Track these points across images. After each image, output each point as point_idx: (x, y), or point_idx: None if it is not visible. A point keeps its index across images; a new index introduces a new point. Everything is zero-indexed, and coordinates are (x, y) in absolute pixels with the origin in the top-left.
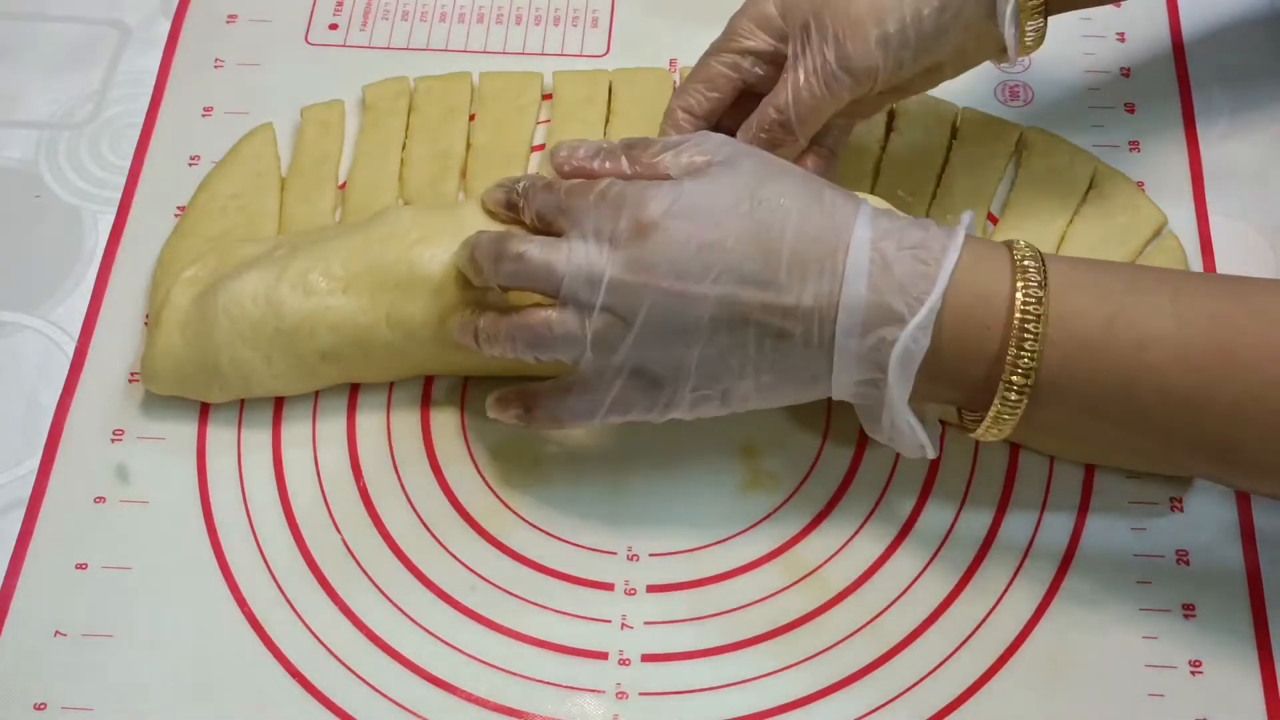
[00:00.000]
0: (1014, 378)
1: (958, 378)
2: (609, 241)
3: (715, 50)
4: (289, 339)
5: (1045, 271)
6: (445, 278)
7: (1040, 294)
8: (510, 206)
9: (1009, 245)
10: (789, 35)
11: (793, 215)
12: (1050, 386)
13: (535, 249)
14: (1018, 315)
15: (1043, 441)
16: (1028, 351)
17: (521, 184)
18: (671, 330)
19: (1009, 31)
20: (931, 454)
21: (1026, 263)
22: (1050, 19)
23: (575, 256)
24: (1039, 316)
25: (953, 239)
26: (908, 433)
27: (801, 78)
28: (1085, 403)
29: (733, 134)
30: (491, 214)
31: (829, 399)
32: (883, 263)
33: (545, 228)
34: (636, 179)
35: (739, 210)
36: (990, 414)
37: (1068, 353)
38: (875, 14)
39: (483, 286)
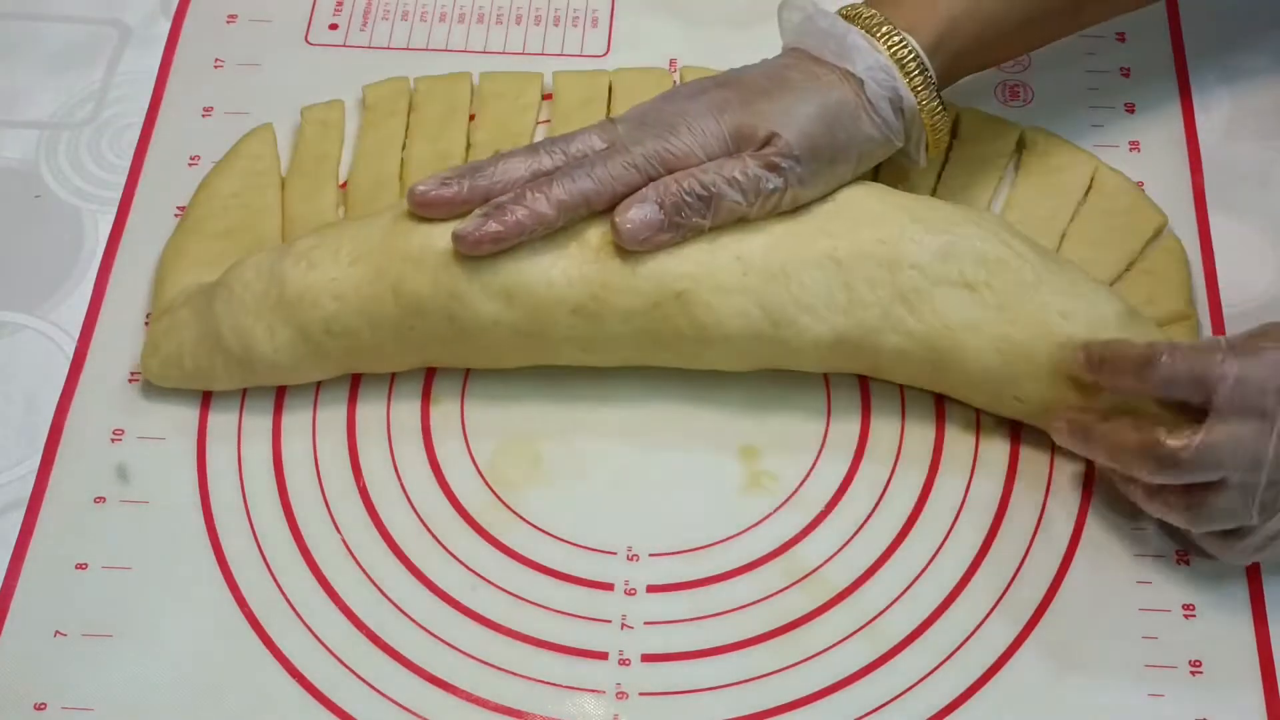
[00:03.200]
0: None
1: None
2: (1259, 417)
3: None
4: (292, 308)
5: None
6: (454, 253)
7: None
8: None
9: None
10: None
11: None
12: None
13: (1190, 446)
14: None
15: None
16: None
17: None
18: None
19: (920, 155)
20: None
21: None
22: None
23: (1242, 440)
24: None
25: None
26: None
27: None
28: None
29: None
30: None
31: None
32: None
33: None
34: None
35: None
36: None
37: None
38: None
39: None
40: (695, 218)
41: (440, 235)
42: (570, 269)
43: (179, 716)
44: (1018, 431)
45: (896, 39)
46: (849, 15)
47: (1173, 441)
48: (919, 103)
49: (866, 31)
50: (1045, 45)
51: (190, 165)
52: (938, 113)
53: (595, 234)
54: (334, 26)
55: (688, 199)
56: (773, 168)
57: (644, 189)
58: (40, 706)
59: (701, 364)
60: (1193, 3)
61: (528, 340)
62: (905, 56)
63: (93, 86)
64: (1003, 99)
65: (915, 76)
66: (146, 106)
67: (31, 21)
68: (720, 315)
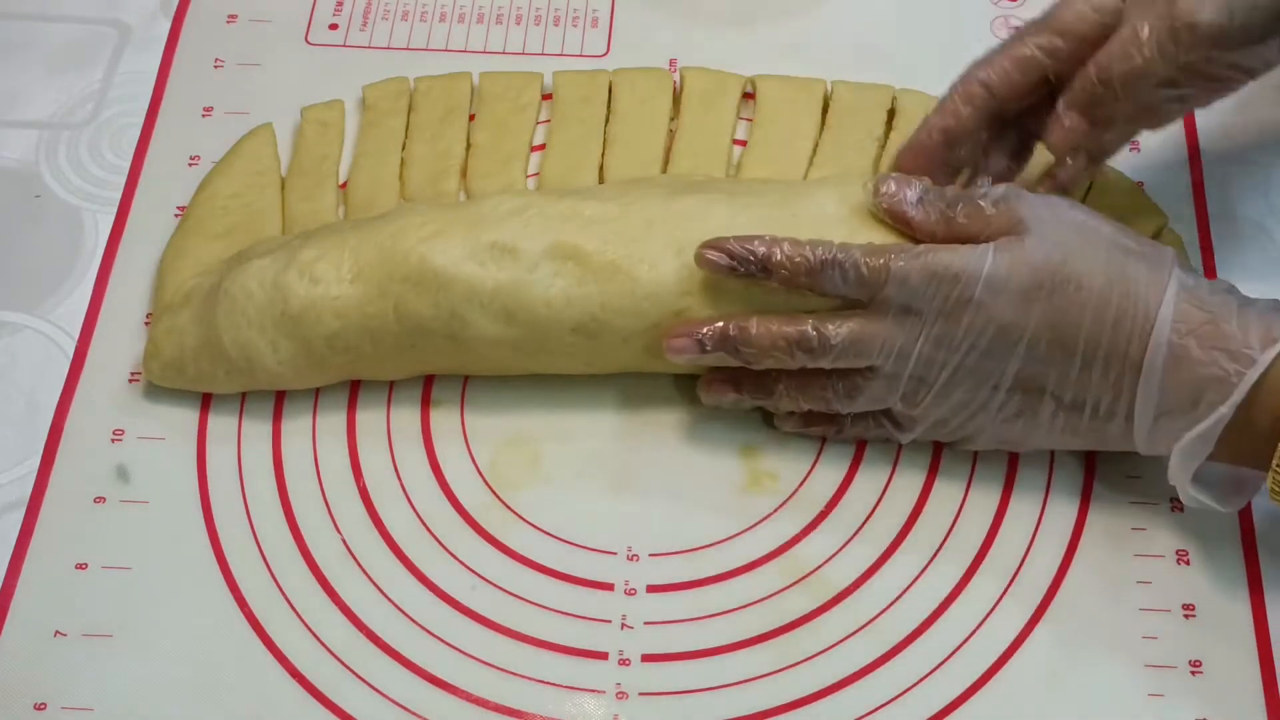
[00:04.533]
0: None
1: (1245, 453)
2: (919, 314)
3: (1032, 30)
4: (295, 324)
5: None
6: (456, 273)
7: None
8: (732, 270)
9: None
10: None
11: (1093, 299)
12: None
13: (849, 330)
14: None
15: None
16: None
17: (812, 250)
18: (972, 394)
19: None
20: (1222, 510)
21: None
22: None
23: (890, 338)
24: None
25: (1266, 350)
26: (1190, 502)
27: (1134, 33)
28: None
29: (1012, 126)
30: (713, 268)
31: None
32: (1184, 360)
33: (851, 293)
34: (949, 241)
35: (1042, 290)
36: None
37: None
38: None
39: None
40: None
41: (439, 253)
42: (570, 289)
43: (179, 716)
44: None
45: None
46: None
47: (830, 327)
48: None
49: None
50: None
51: (190, 165)
52: None
53: (596, 255)
54: (334, 26)
55: None
56: None
57: None
58: (40, 706)
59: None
60: None
61: (529, 356)
62: None
63: (93, 86)
64: None
65: None
66: (146, 106)
67: (31, 21)
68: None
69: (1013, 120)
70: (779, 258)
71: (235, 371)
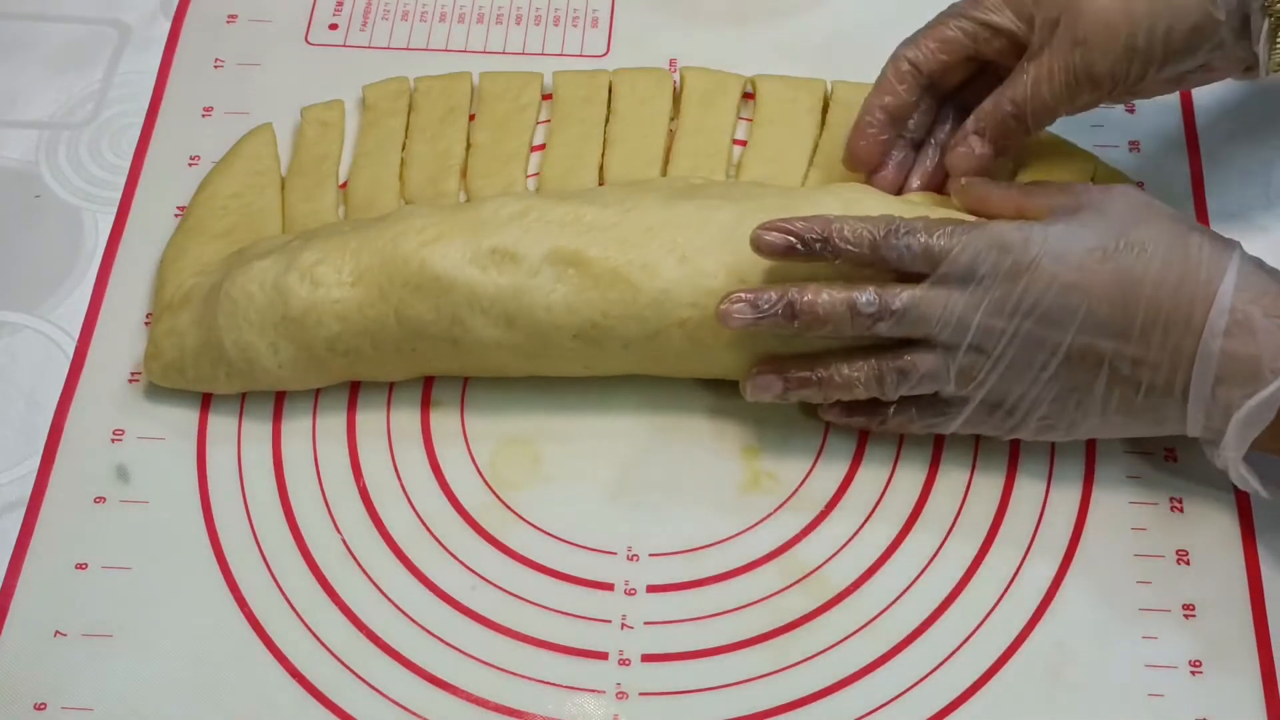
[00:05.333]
0: None
1: None
2: (980, 281)
3: (955, 14)
4: (295, 327)
5: None
6: (457, 277)
7: None
8: (792, 250)
9: None
10: (1035, 23)
11: (1155, 263)
12: None
13: (910, 296)
14: None
15: None
16: None
17: (849, 228)
18: (1027, 367)
19: (1262, 51)
20: (1266, 496)
21: None
22: None
23: (952, 304)
24: None
25: None
26: (1245, 485)
27: (1044, 74)
28: None
29: (950, 100)
30: (770, 254)
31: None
32: (1246, 326)
33: (915, 265)
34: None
35: (1104, 252)
36: None
37: None
38: (1129, 23)
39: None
40: None
41: (440, 258)
42: (571, 295)
43: (179, 716)
44: None
45: None
46: None
47: (890, 292)
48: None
49: None
50: None
51: (190, 165)
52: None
53: (597, 262)
54: (334, 26)
55: None
56: None
57: None
58: (40, 706)
59: (707, 375)
60: None
61: (530, 360)
62: None
63: (93, 86)
64: None
65: None
66: (146, 106)
67: (31, 21)
68: (725, 338)
69: (953, 93)
70: (846, 233)
71: (235, 373)
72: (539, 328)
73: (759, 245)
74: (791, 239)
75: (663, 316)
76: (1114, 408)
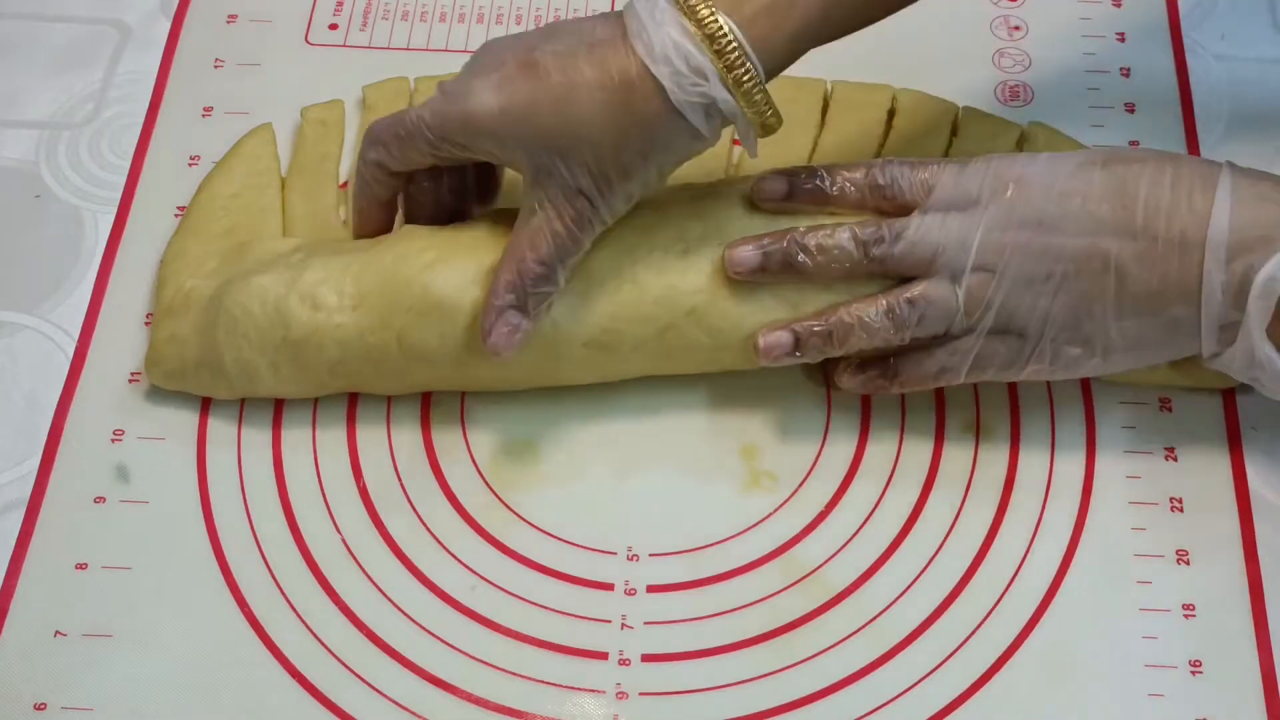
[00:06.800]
0: None
1: None
2: (974, 203)
3: (423, 138)
4: (296, 350)
5: None
6: (460, 301)
7: None
8: (790, 195)
9: None
10: (519, 166)
11: (1148, 168)
12: None
13: (913, 222)
14: None
15: None
16: None
17: (844, 172)
18: (1034, 278)
19: (749, 140)
20: None
21: None
22: (1049, 18)
23: (950, 223)
24: None
25: None
26: (1268, 366)
27: (559, 229)
28: None
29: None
30: (762, 205)
31: (829, 400)
32: (1251, 197)
33: (891, 205)
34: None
35: (1096, 163)
36: None
37: None
38: (621, 172)
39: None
40: None
41: (442, 282)
42: (576, 305)
43: (179, 716)
44: (1018, 430)
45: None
46: None
47: (888, 222)
48: (738, 96)
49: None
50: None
51: (190, 165)
52: (763, 105)
53: (598, 268)
54: (334, 26)
55: None
56: None
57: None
58: (40, 706)
59: (720, 368)
60: (1193, 3)
61: (540, 375)
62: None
63: (93, 86)
64: (1003, 99)
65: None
66: (146, 106)
67: (31, 21)
68: (736, 319)
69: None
70: (838, 177)
71: (236, 388)
72: (548, 343)
73: (760, 192)
74: (790, 187)
75: (671, 310)
76: (1128, 310)
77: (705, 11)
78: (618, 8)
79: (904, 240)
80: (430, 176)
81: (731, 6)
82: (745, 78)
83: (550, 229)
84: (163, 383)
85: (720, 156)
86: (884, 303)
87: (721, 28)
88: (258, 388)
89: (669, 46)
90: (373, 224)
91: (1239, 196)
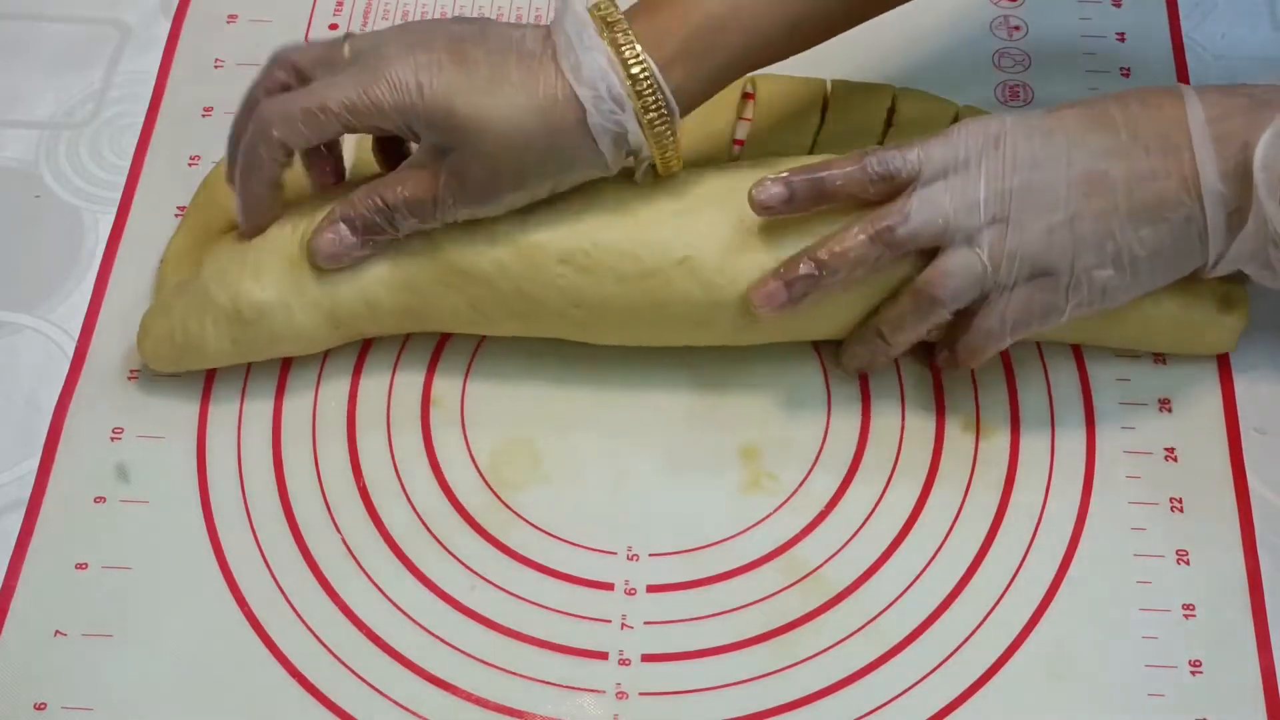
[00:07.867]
0: None
1: None
2: (966, 164)
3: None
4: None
5: None
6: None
7: None
8: (790, 200)
9: None
10: (426, 140)
11: (1113, 97)
12: None
13: (916, 204)
14: None
15: None
16: None
17: (830, 168)
18: (1047, 213)
19: (640, 172)
20: None
21: None
22: (1049, 18)
23: (953, 188)
24: None
25: None
26: (1275, 216)
27: (423, 196)
28: None
29: None
30: (766, 210)
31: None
32: (1215, 95)
33: (888, 189)
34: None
35: (1066, 107)
36: None
37: None
38: (515, 177)
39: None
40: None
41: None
42: (551, 217)
43: (179, 716)
44: (1018, 430)
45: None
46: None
47: (895, 203)
48: (647, 132)
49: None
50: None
51: (190, 165)
52: (668, 145)
53: (600, 194)
54: (334, 26)
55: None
56: None
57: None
58: (40, 706)
59: (712, 337)
60: (1192, 3)
61: (518, 285)
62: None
63: (93, 86)
64: (1003, 99)
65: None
66: (146, 107)
67: (31, 21)
68: (732, 274)
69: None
70: (835, 172)
71: (222, 320)
72: (525, 249)
73: (759, 201)
74: (789, 192)
75: (659, 255)
76: (1142, 220)
77: (629, 52)
78: None
79: (911, 217)
80: (329, 142)
81: (653, 44)
82: (658, 121)
83: (420, 187)
84: (152, 353)
85: (720, 156)
86: (907, 301)
87: (644, 69)
88: (243, 311)
89: (595, 72)
90: (271, 212)
91: (1205, 99)
